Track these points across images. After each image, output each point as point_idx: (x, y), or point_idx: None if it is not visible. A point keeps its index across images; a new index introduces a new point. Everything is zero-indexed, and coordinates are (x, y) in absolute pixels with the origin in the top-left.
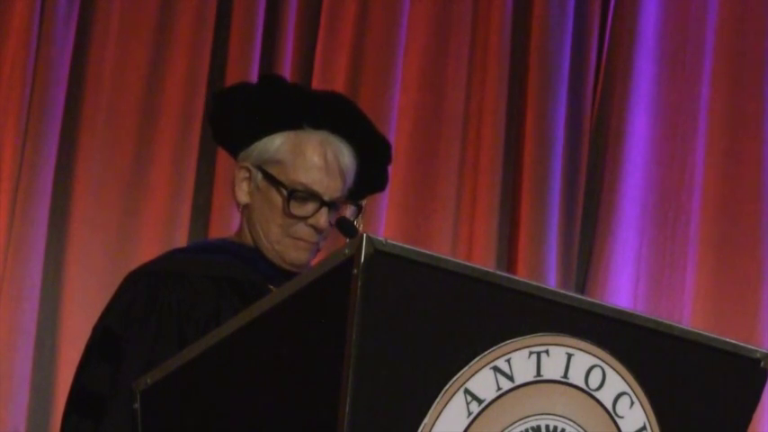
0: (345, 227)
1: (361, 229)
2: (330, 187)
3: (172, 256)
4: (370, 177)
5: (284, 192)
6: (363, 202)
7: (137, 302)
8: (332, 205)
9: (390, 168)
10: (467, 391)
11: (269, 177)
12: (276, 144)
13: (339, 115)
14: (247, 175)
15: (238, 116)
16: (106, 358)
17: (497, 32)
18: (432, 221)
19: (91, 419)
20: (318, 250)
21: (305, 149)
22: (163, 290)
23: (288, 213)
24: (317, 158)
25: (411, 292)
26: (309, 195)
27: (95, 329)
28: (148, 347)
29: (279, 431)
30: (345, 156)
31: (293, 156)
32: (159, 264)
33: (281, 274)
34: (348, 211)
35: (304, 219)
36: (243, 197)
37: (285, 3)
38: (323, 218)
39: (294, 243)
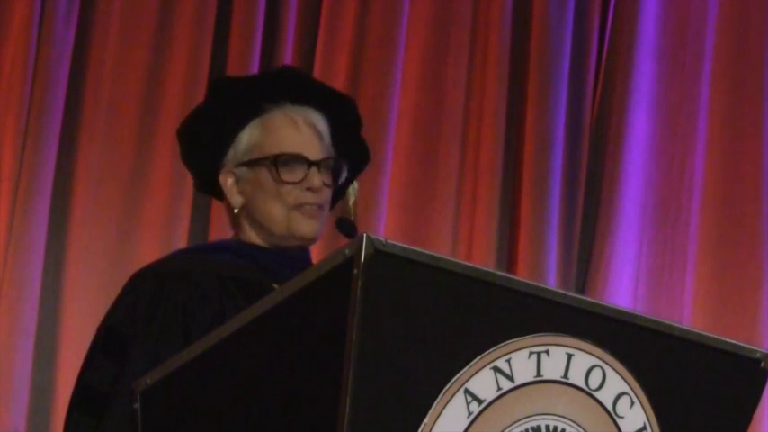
0: (345, 227)
1: (356, 199)
2: (310, 146)
3: (176, 256)
4: (346, 142)
5: (269, 164)
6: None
7: (141, 302)
8: (319, 165)
9: (392, 159)
10: (467, 391)
11: (252, 163)
12: (245, 136)
13: (292, 84)
14: (232, 178)
15: (204, 135)
16: (110, 357)
17: (497, 32)
18: (432, 221)
19: (93, 417)
20: (323, 224)
21: (272, 125)
22: (168, 290)
23: (280, 181)
24: (287, 126)
25: (411, 292)
26: (293, 158)
27: (100, 328)
28: (153, 347)
29: (279, 431)
30: (313, 118)
31: (265, 134)
32: (164, 264)
33: (286, 272)
34: (342, 176)
35: (298, 184)
36: (237, 199)
37: (285, 3)
38: (315, 177)
39: (300, 213)
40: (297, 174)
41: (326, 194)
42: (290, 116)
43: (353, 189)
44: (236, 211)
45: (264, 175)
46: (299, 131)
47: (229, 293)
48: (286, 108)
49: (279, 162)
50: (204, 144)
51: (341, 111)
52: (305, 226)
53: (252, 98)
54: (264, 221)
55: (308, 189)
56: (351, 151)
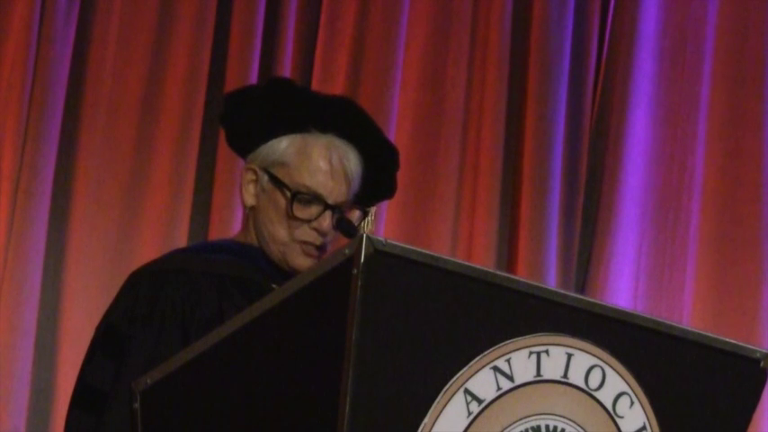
0: (345, 227)
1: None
2: (335, 191)
3: (174, 255)
4: (376, 183)
5: (288, 194)
6: (371, 209)
7: (140, 301)
8: (336, 209)
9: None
10: (467, 391)
11: (274, 179)
12: (282, 146)
13: (346, 119)
14: (254, 177)
15: (246, 118)
16: (109, 356)
17: (497, 32)
18: (432, 221)
19: (92, 416)
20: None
21: (310, 152)
22: (166, 288)
23: (291, 216)
24: (322, 162)
25: (411, 292)
26: (313, 198)
27: (99, 327)
28: (151, 346)
29: (279, 431)
30: (351, 160)
31: (299, 158)
32: (162, 263)
33: (284, 273)
34: (354, 216)
35: (308, 222)
36: (249, 199)
37: (285, 3)
38: (326, 221)
39: (300, 248)
40: (310, 212)
41: (332, 235)
42: (329, 150)
43: (369, 220)
44: (247, 210)
45: (281, 199)
46: (331, 171)
47: (228, 293)
48: (329, 138)
49: (296, 198)
50: (240, 124)
51: (383, 156)
52: (300, 261)
53: (305, 115)
54: (266, 235)
55: (316, 229)
56: (377, 186)
